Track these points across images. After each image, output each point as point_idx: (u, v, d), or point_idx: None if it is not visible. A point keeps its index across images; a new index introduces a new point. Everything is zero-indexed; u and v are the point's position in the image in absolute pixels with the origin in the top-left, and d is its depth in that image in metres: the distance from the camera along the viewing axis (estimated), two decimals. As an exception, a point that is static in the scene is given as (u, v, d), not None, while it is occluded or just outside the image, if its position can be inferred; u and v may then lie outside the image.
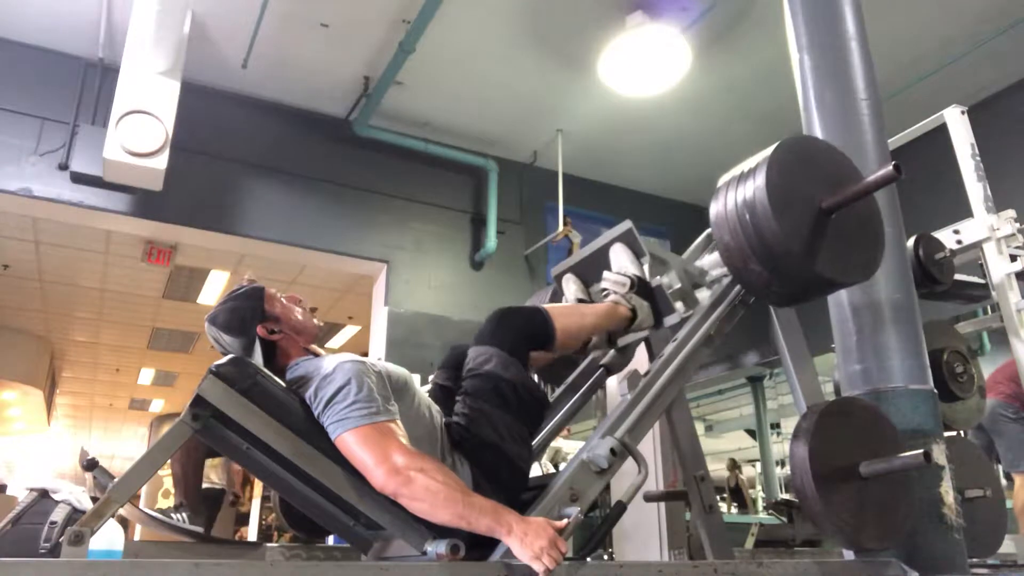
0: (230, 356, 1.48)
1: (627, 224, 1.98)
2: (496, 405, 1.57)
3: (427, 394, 1.72)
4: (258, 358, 1.57)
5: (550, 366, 2.14)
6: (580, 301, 2.01)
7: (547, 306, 1.75)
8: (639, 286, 1.90)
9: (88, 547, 1.20)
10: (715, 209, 1.69)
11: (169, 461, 2.61)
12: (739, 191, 1.64)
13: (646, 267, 1.98)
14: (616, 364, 2.11)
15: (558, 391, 2.18)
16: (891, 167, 1.54)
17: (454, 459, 1.55)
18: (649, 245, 1.97)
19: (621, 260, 1.97)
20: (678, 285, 1.93)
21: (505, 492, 1.49)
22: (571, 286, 2.07)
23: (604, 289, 1.92)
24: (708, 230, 2.01)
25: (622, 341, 1.97)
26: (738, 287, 1.81)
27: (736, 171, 1.70)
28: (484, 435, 1.55)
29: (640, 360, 2.04)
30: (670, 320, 1.91)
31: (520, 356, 1.63)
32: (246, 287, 1.66)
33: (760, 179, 1.59)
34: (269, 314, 1.63)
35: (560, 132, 5.47)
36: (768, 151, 1.64)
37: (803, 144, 1.73)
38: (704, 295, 1.93)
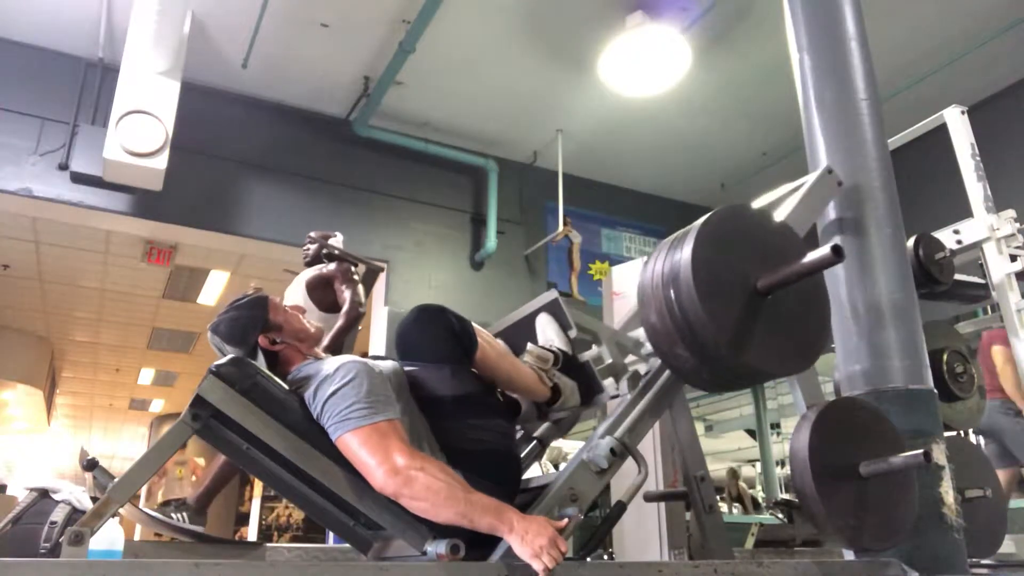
0: (230, 356, 1.48)
1: (552, 294, 1.87)
2: (458, 416, 1.54)
3: None
4: (261, 366, 1.57)
5: None
6: None
7: (476, 327, 1.64)
8: (564, 361, 1.77)
9: (88, 547, 1.20)
10: (641, 280, 1.53)
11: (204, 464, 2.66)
12: (667, 263, 1.47)
13: (575, 339, 1.84)
14: (549, 436, 1.96)
15: None
16: (829, 250, 1.40)
17: (451, 463, 1.55)
18: (576, 316, 1.82)
19: (547, 332, 1.83)
20: (609, 360, 1.77)
21: (502, 487, 1.49)
22: None
23: (526, 363, 1.74)
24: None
25: (553, 415, 1.85)
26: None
27: (669, 238, 1.54)
28: (464, 446, 1.53)
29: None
30: (598, 400, 1.77)
31: (454, 363, 1.56)
32: (250, 296, 1.66)
33: (687, 253, 1.42)
34: (272, 323, 1.62)
35: (560, 132, 5.47)
36: (699, 221, 1.48)
37: (738, 215, 1.57)
38: (641, 367, 1.78)
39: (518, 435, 1.95)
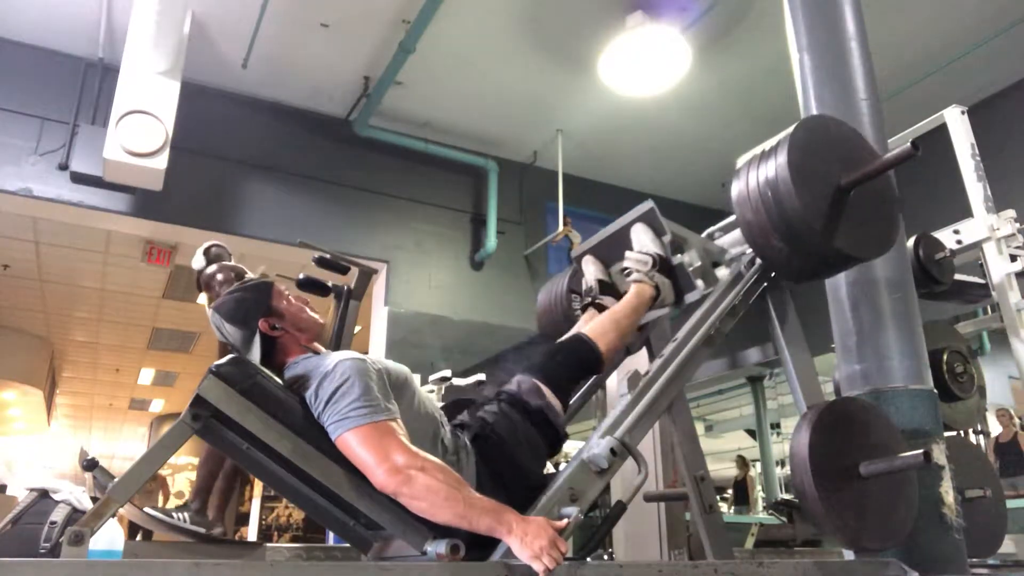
0: (230, 356, 1.48)
1: (649, 203, 2.02)
2: (522, 415, 1.62)
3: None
4: (256, 352, 1.57)
5: None
6: (599, 282, 2.06)
7: (587, 331, 1.79)
8: (661, 264, 1.94)
9: (88, 547, 1.20)
10: (737, 188, 1.73)
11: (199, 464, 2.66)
12: (760, 170, 1.69)
13: (667, 246, 2.01)
14: (635, 344, 2.14)
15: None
16: (908, 144, 1.59)
17: (459, 455, 1.55)
18: (670, 224, 1.99)
19: (642, 239, 2.00)
20: (698, 263, 1.97)
21: (507, 492, 1.49)
22: (591, 267, 2.11)
23: (626, 268, 1.96)
24: (729, 218, 2.08)
25: (649, 316, 2.00)
26: (758, 263, 1.86)
27: (756, 151, 1.74)
28: (503, 434, 1.59)
29: (640, 360, 2.04)
30: (691, 296, 1.94)
31: (562, 391, 1.69)
32: (255, 279, 1.67)
33: (782, 158, 1.63)
34: (274, 309, 1.63)
35: (560, 132, 5.47)
36: (788, 131, 1.68)
37: (821, 124, 1.79)
38: (724, 273, 1.97)
39: None
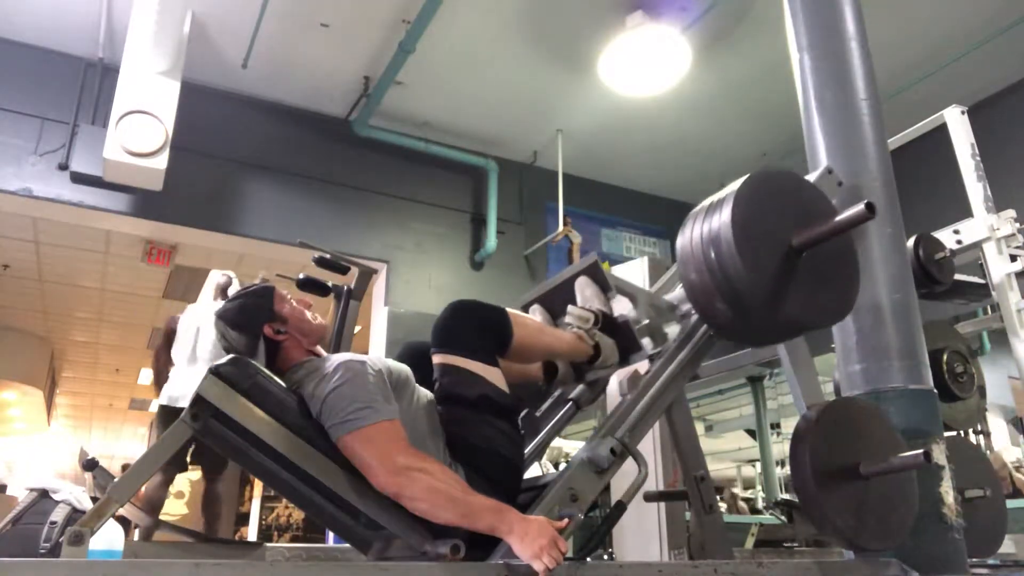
0: (230, 356, 1.48)
1: (593, 256, 1.94)
2: (477, 410, 1.56)
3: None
4: (261, 357, 1.58)
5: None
6: None
7: (510, 311, 1.70)
8: (603, 322, 1.84)
9: (88, 547, 1.20)
10: (681, 242, 1.62)
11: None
12: (705, 225, 1.56)
13: (613, 301, 1.92)
14: (585, 399, 2.03)
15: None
16: (863, 206, 1.47)
17: (453, 458, 1.55)
18: (615, 279, 1.90)
19: (586, 294, 1.91)
20: (645, 320, 1.86)
21: (501, 489, 1.49)
22: (537, 317, 2.02)
23: (568, 324, 1.85)
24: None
25: (590, 376, 1.91)
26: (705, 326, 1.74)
27: (705, 203, 1.63)
28: (473, 440, 1.55)
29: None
30: (636, 359, 1.85)
31: (484, 357, 1.60)
32: (257, 285, 1.68)
33: (726, 214, 1.51)
34: (277, 314, 1.63)
35: (560, 132, 5.47)
36: (736, 184, 1.57)
37: (773, 178, 1.66)
38: (674, 329, 1.86)
39: (554, 397, 2.04)
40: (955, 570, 1.77)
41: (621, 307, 1.92)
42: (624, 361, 1.87)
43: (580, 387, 2.02)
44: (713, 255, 1.51)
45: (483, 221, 5.52)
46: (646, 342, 1.85)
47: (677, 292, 1.93)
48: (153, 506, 3.30)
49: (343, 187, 5.17)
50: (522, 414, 2.01)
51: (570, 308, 1.87)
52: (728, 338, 1.69)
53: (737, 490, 8.95)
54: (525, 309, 2.09)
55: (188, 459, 3.51)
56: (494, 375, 1.59)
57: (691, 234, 1.59)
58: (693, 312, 1.76)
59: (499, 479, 1.53)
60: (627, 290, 1.90)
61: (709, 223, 1.55)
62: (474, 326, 1.61)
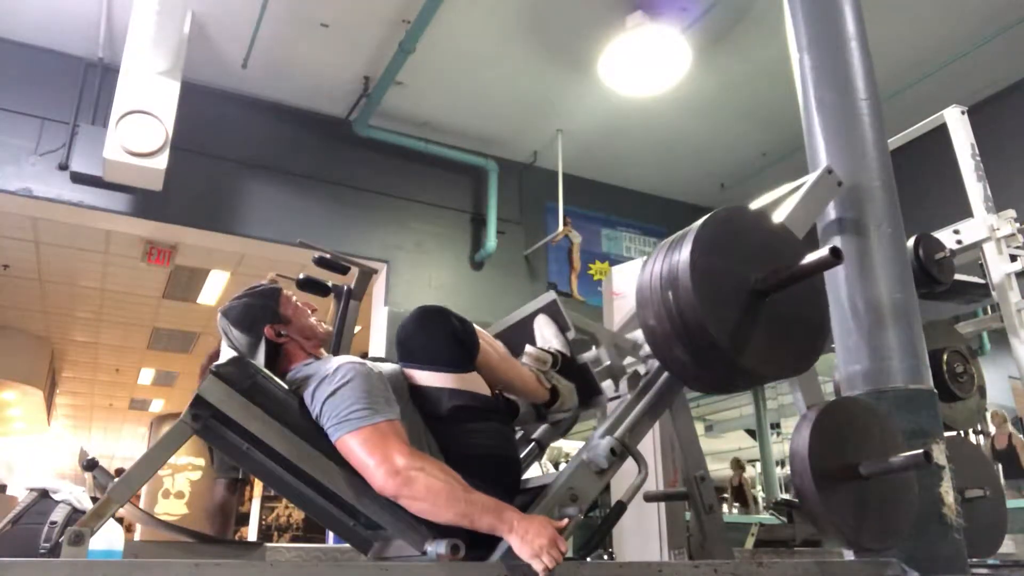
0: (231, 356, 1.48)
1: (551, 295, 1.86)
2: (456, 422, 1.53)
3: None
4: (260, 357, 1.58)
5: None
6: None
7: (477, 328, 1.63)
8: (562, 363, 1.76)
9: (88, 547, 1.20)
10: (640, 282, 1.53)
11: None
12: (664, 264, 1.46)
13: (569, 343, 1.82)
14: (547, 438, 1.95)
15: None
16: (828, 252, 1.40)
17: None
18: (574, 318, 1.81)
19: (545, 334, 1.83)
20: (607, 362, 1.78)
21: (500, 488, 1.49)
22: None
23: (524, 364, 1.74)
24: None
25: (551, 417, 1.83)
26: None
27: (666, 240, 1.54)
28: (462, 450, 1.52)
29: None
30: (597, 402, 1.77)
31: (454, 366, 1.54)
32: (264, 285, 1.68)
33: (684, 255, 1.41)
34: (281, 316, 1.64)
35: (560, 132, 5.46)
36: (697, 223, 1.47)
37: (736, 216, 1.56)
38: (640, 368, 1.77)
39: (517, 436, 1.94)
40: (955, 570, 1.77)
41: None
42: (584, 405, 1.78)
43: (543, 427, 1.94)
44: (671, 298, 1.42)
45: (483, 221, 5.51)
46: (607, 384, 1.76)
47: (640, 332, 1.81)
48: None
49: (343, 187, 5.17)
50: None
51: (528, 348, 1.76)
52: (690, 386, 1.61)
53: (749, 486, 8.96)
54: None
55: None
56: (467, 381, 1.54)
57: (650, 274, 1.50)
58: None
59: (496, 477, 1.52)
60: (587, 329, 1.81)
61: (668, 262, 1.46)
62: (441, 335, 1.54)
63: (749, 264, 1.47)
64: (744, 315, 1.42)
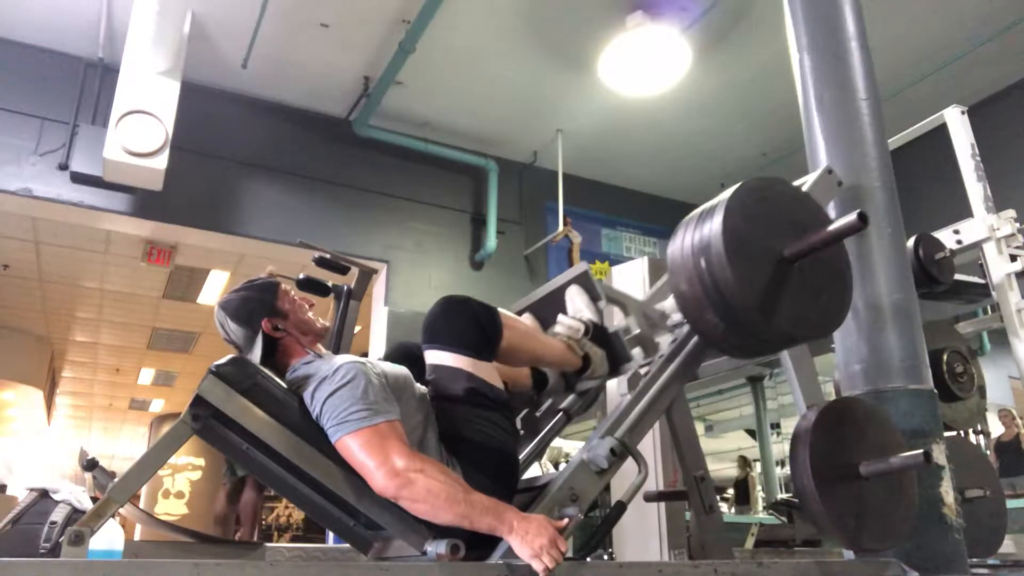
0: (230, 356, 1.48)
1: (583, 266, 1.92)
2: (468, 405, 1.55)
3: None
4: (257, 351, 1.57)
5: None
6: None
7: (501, 311, 1.67)
8: (594, 332, 1.81)
9: (88, 547, 1.20)
10: (671, 251, 1.58)
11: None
12: (696, 233, 1.52)
13: (604, 310, 1.89)
14: (576, 409, 2.00)
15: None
16: (855, 216, 1.45)
17: (448, 453, 1.55)
18: (606, 288, 1.87)
19: (577, 304, 1.89)
20: (637, 331, 1.83)
21: (498, 482, 1.50)
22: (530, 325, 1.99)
23: (557, 334, 1.82)
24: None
25: (580, 386, 1.89)
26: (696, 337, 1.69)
27: (696, 211, 1.59)
28: (466, 434, 1.54)
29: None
30: (627, 369, 1.82)
31: (474, 352, 1.57)
32: (262, 279, 1.67)
33: (717, 223, 1.47)
34: (279, 310, 1.63)
35: (560, 132, 5.47)
36: (727, 192, 1.54)
37: (766, 186, 1.62)
38: (666, 339, 1.82)
39: (544, 408, 2.01)
40: (955, 570, 1.77)
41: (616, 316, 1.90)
42: (614, 372, 1.84)
43: (570, 397, 2.00)
44: (704, 265, 1.47)
45: (483, 221, 5.52)
46: (637, 352, 1.82)
47: (669, 301, 1.88)
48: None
49: (343, 187, 5.17)
50: (522, 414, 2.02)
51: (560, 318, 1.83)
52: (720, 350, 1.66)
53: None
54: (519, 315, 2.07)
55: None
56: (484, 369, 1.58)
57: (682, 242, 1.56)
58: (685, 323, 1.72)
59: (495, 472, 1.52)
60: (618, 299, 1.87)
61: (700, 231, 1.51)
62: (464, 321, 1.58)
63: (778, 232, 1.53)
64: (773, 279, 1.48)
